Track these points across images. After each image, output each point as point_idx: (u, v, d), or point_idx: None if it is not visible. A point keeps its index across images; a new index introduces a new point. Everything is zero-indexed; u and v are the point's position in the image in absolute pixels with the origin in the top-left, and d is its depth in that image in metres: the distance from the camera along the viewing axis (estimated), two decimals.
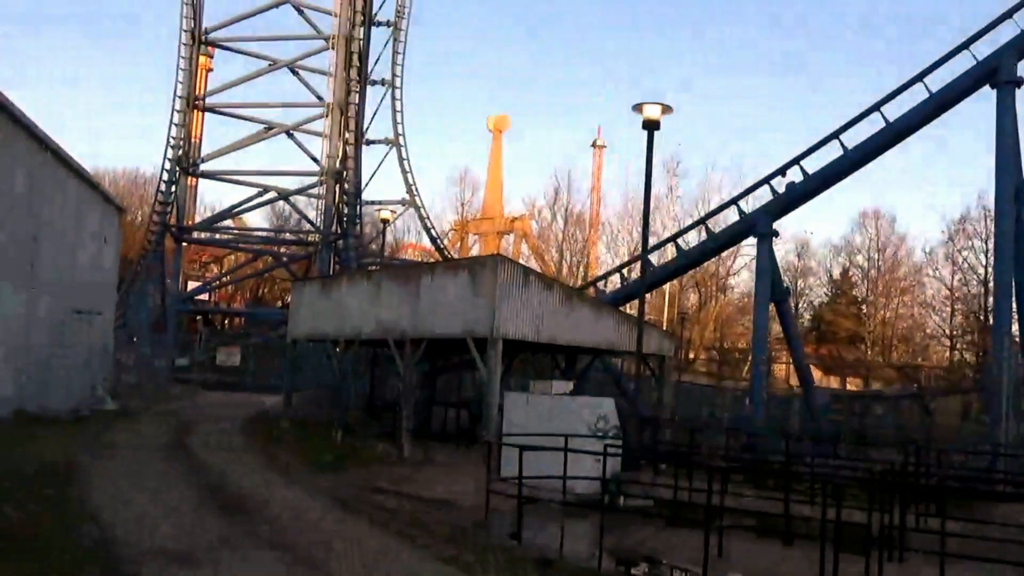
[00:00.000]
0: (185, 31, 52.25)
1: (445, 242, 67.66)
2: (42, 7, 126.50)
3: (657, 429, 24.03)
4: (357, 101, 54.03)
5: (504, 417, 20.87)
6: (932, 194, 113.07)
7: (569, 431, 15.72)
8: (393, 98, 58.24)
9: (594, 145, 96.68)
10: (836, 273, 77.64)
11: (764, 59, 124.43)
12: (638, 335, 22.13)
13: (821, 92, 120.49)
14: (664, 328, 54.24)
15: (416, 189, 59.28)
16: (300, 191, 56.57)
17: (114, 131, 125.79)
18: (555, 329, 25.11)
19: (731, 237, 36.19)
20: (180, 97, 52.06)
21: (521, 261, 73.43)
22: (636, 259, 36.74)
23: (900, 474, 15.80)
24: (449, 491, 17.08)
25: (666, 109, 20.70)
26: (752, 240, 34.99)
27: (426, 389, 33.67)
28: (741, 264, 67.25)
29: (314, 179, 54.23)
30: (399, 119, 58.50)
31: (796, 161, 32.02)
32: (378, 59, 57.56)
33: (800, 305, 74.47)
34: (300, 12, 55.07)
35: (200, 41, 53.13)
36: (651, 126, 20.72)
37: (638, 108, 20.80)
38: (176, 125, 52.04)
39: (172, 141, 52.08)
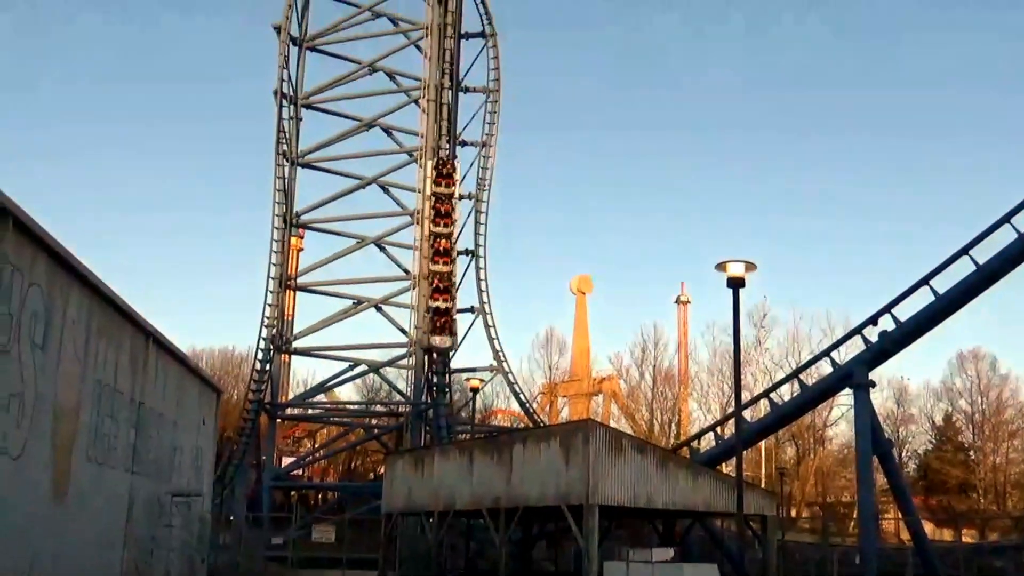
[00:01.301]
0: (277, 216, 54.49)
1: (534, 406, 67.49)
2: (134, 195, 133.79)
3: None
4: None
5: None
6: None
7: None
8: (477, 267, 59.39)
9: (678, 301, 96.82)
10: (939, 419, 74.99)
11: (847, 206, 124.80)
12: (738, 497, 21.55)
13: (907, 236, 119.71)
14: (763, 484, 52.74)
15: (503, 355, 59.65)
16: (390, 363, 57.40)
17: (208, 311, 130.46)
18: (651, 493, 24.63)
19: (826, 389, 35.56)
20: (273, 279, 53.83)
21: (611, 422, 72.86)
22: (729, 417, 36.18)
23: None
24: None
25: (750, 266, 20.70)
26: (848, 390, 34.28)
27: (522, 558, 33.06)
28: (838, 415, 65.60)
29: (403, 350, 55.09)
30: (483, 287, 59.48)
31: (887, 309, 31.61)
32: (461, 230, 59.09)
33: (904, 454, 71.92)
34: (385, 191, 57.21)
35: (291, 224, 55.31)
36: (736, 284, 20.71)
37: (722, 267, 20.85)
38: (270, 305, 53.66)
39: (266, 321, 53.62)
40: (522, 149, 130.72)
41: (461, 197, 58.51)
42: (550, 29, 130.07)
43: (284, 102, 55.05)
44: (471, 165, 59.54)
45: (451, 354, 54.70)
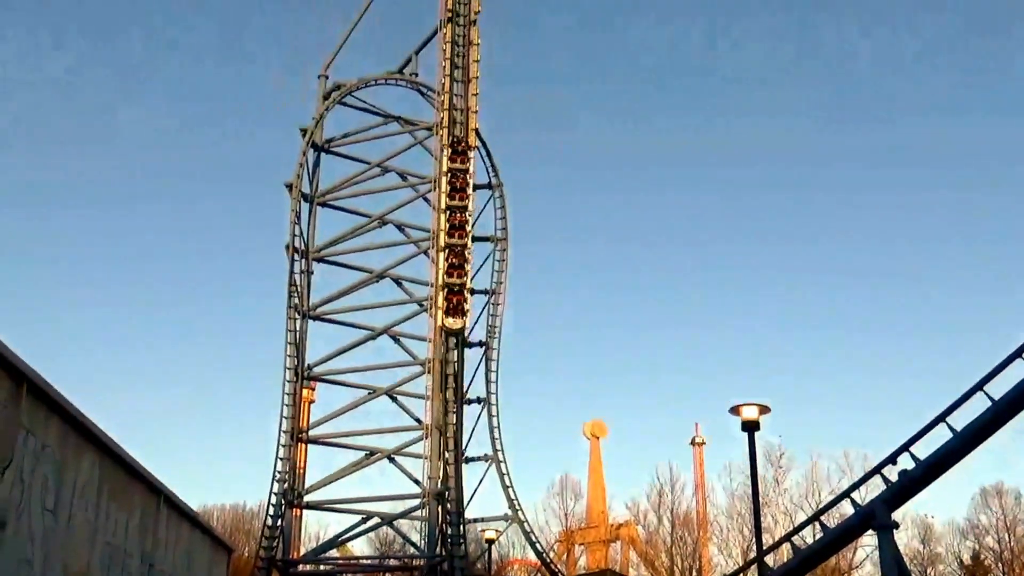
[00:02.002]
0: (289, 369, 54.55)
1: (551, 555, 66.05)
2: (142, 352, 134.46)
3: None
4: (455, 421, 54.89)
5: None
6: None
7: None
8: (490, 415, 59.05)
9: (693, 442, 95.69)
10: (967, 558, 73.10)
11: (859, 342, 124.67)
12: None
13: (922, 371, 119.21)
14: None
15: (518, 503, 58.72)
16: (403, 515, 56.39)
17: (219, 466, 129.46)
18: None
19: (848, 531, 34.61)
20: (284, 432, 53.48)
21: (631, 569, 71.16)
22: (751, 563, 35.34)
23: None
24: None
25: (764, 409, 20.68)
26: (871, 531, 33.51)
27: None
28: (863, 556, 63.99)
29: (416, 501, 54.20)
30: (496, 434, 59.02)
31: (906, 447, 31.12)
32: (473, 377, 59.10)
33: None
34: (397, 341, 57.39)
35: (303, 376, 55.33)
36: (750, 428, 20.64)
37: (736, 410, 20.82)
38: (281, 459, 53.11)
39: (277, 475, 53.01)
40: (532, 294, 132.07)
41: (471, 345, 58.71)
42: (559, 172, 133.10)
43: (296, 256, 55.89)
44: (481, 312, 60.01)
45: (465, 336, 54.98)
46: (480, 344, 59.68)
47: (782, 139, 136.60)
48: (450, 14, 56.83)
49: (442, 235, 55.73)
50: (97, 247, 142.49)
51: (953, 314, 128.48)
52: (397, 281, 58.66)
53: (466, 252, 54.05)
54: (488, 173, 60.99)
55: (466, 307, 53.71)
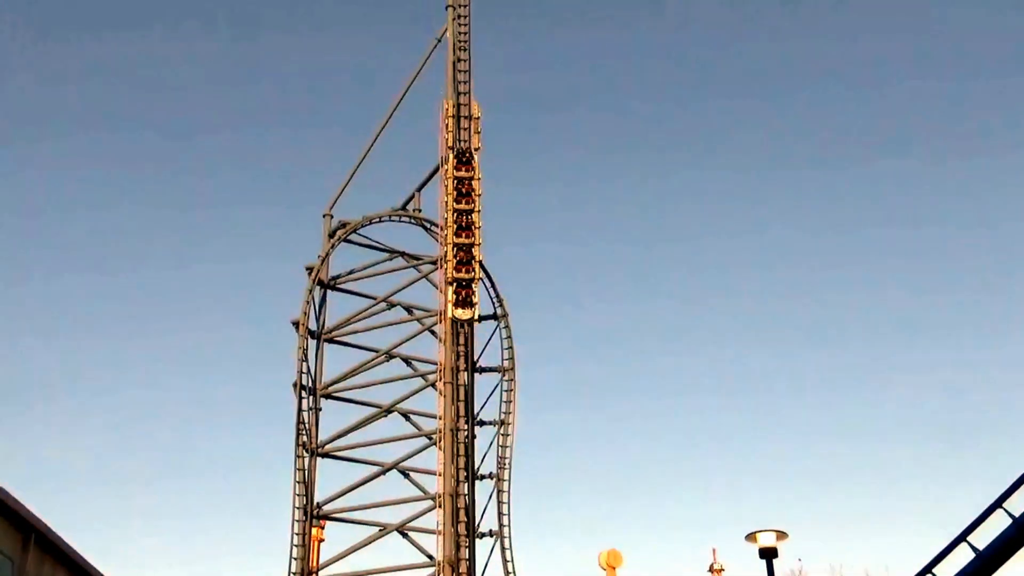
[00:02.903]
0: (298, 508, 53.73)
1: None
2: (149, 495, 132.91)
3: None
4: (467, 556, 53.86)
5: None
6: None
7: None
8: (503, 547, 57.92)
9: (711, 569, 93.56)
10: None
11: (873, 458, 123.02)
12: None
13: (938, 488, 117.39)
14: None
15: None
16: None
17: None
18: None
19: None
20: (294, 573, 52.44)
21: None
22: None
23: None
24: None
25: (781, 535, 20.34)
26: None
27: None
28: None
29: None
30: (510, 568, 57.85)
31: (929, 568, 30.46)
32: (484, 509, 58.15)
33: None
34: (406, 475, 56.68)
35: (312, 515, 54.50)
36: (768, 555, 20.27)
37: (751, 537, 20.47)
38: None
39: None
40: (539, 420, 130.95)
41: (481, 478, 57.98)
42: (565, 302, 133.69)
43: (303, 394, 55.67)
44: (490, 444, 59.42)
45: (475, 319, 54.50)
46: (490, 476, 58.84)
47: (791, 244, 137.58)
48: (451, 151, 58.09)
49: (449, 232, 55.46)
50: (102, 378, 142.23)
51: (970, 426, 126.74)
52: (405, 415, 58.28)
53: (474, 249, 54.73)
54: (493, 303, 61.11)
55: (474, 300, 54.21)
